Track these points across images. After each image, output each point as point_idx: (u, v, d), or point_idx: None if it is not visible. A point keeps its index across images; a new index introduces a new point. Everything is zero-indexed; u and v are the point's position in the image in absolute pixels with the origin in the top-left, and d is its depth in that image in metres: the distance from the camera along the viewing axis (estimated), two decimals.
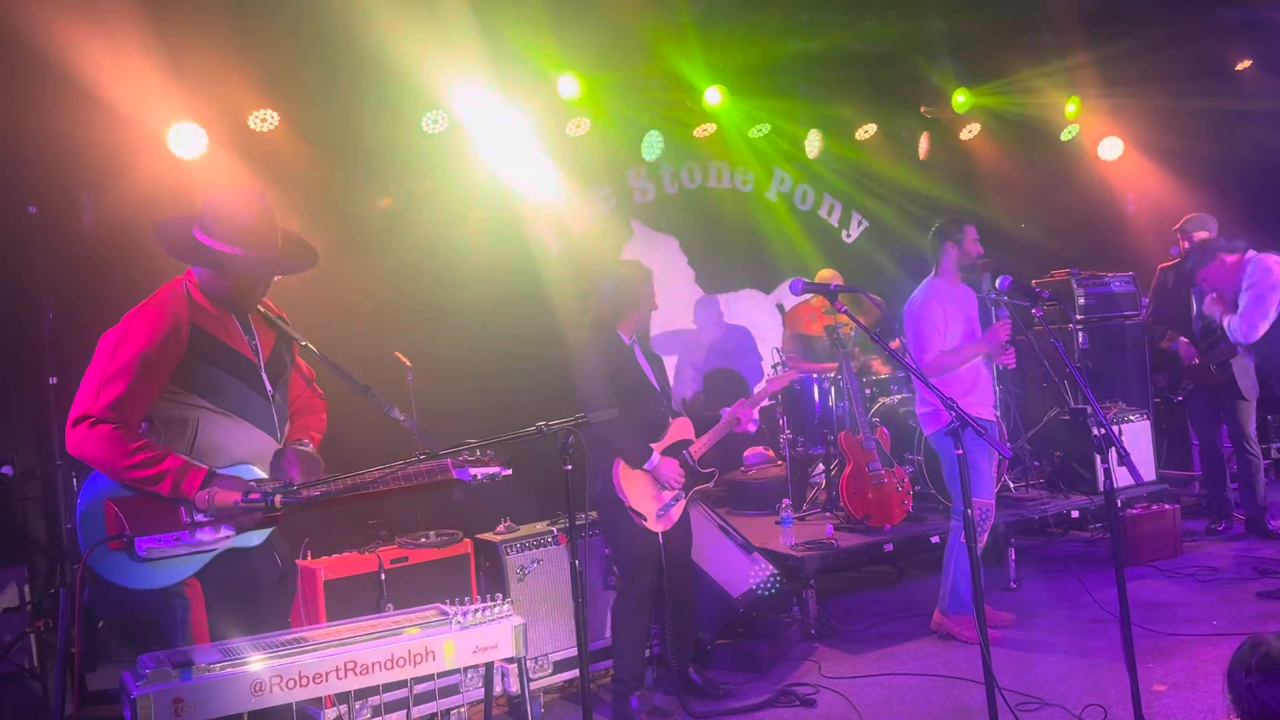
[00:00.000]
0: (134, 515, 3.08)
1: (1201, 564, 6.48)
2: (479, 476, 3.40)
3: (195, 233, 3.29)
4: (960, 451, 3.66)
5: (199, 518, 3.15)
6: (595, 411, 3.75)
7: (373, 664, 2.93)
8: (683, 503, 4.87)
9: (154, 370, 3.11)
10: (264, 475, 3.31)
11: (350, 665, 2.90)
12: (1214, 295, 6.40)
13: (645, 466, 4.73)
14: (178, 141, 5.86)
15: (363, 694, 3.01)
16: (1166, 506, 6.87)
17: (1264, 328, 6.17)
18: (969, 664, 5.02)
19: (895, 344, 5.70)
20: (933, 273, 5.65)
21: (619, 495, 4.71)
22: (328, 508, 3.33)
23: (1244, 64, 8.41)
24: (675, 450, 4.88)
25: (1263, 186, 8.55)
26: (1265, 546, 6.72)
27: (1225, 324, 5.74)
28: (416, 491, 3.44)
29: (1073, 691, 4.66)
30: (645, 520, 4.74)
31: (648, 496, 4.76)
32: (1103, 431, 3.68)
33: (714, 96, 7.20)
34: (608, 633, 5.18)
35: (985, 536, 5.44)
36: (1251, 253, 6.47)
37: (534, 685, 5.03)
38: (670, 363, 8.03)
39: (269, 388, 3.36)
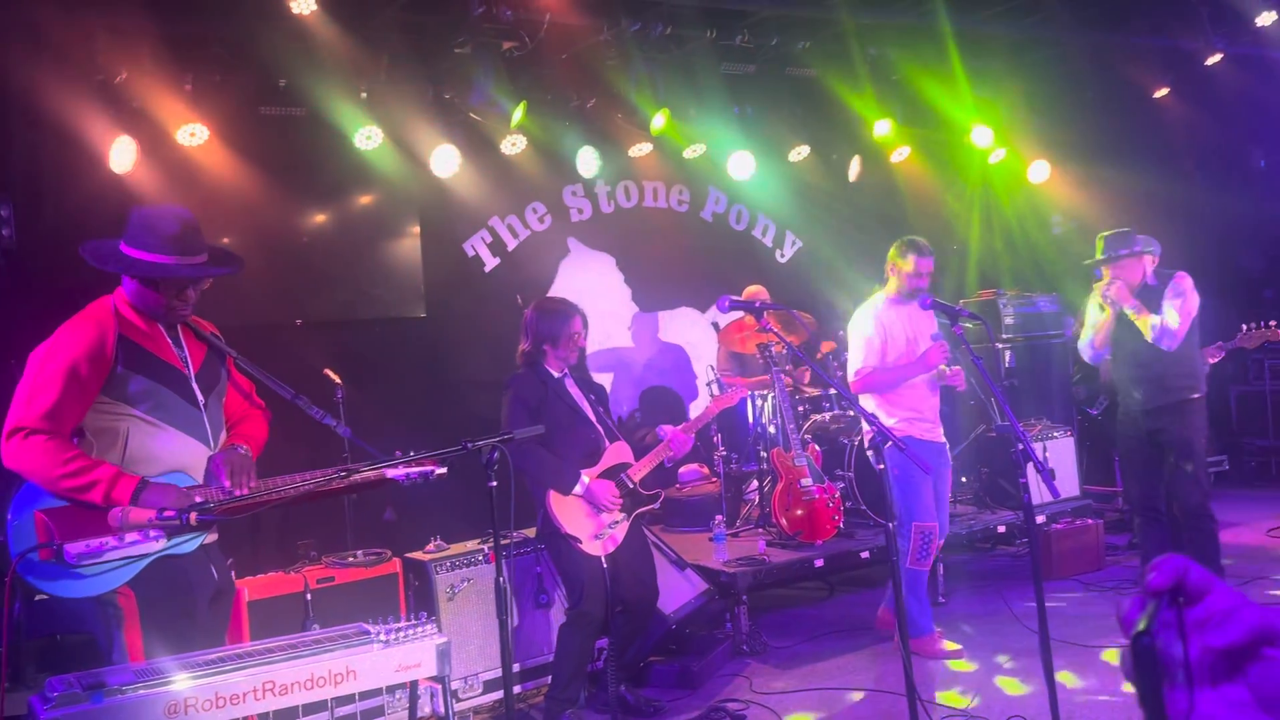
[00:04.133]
0: (63, 524, 3.09)
1: (1123, 577, 6.63)
2: (412, 475, 3.39)
3: (122, 247, 3.34)
4: (882, 467, 3.73)
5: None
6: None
7: (292, 684, 2.89)
8: (624, 525, 4.84)
9: (81, 381, 3.16)
10: (197, 482, 3.32)
11: (268, 685, 2.86)
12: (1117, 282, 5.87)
13: (575, 491, 4.72)
14: (116, 156, 5.77)
15: (282, 715, 2.97)
16: (1089, 521, 7.03)
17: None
18: (897, 678, 5.08)
19: (821, 357, 5.70)
20: (882, 288, 5.59)
21: (555, 524, 4.71)
22: (252, 511, 3.34)
23: (1162, 91, 8.68)
24: (613, 474, 4.87)
25: (1179, 210, 8.81)
26: None
27: (1150, 324, 5.64)
28: (350, 493, 3.46)
29: (995, 703, 4.74)
30: (582, 544, 4.72)
31: (584, 521, 4.74)
32: (1020, 448, 3.77)
33: (658, 122, 7.26)
34: (541, 650, 5.17)
35: (929, 559, 5.41)
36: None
37: (464, 705, 5.00)
38: (606, 380, 8.05)
39: (200, 397, 3.40)
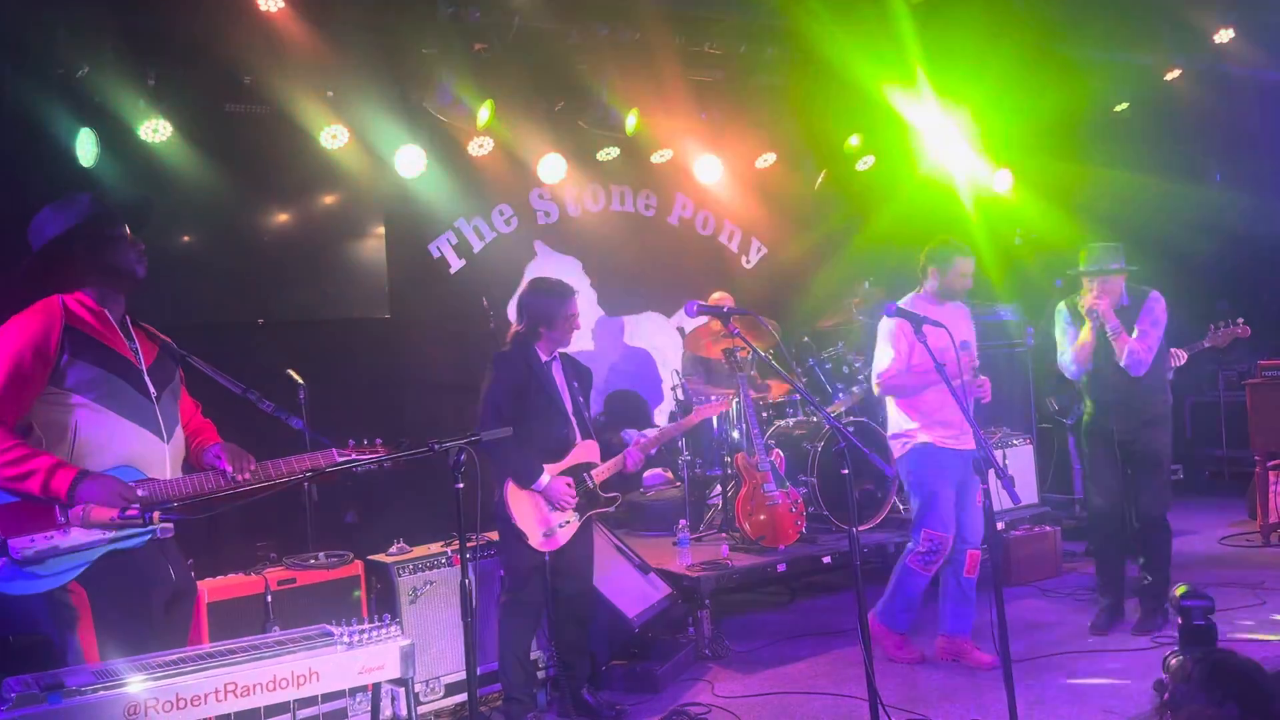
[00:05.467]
0: (7, 520, 3.06)
1: (1080, 584, 6.71)
2: (365, 464, 3.38)
3: (40, 246, 3.30)
4: (846, 472, 3.74)
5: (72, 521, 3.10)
6: (486, 429, 3.75)
7: (254, 685, 2.85)
8: (574, 525, 4.85)
9: (24, 374, 3.13)
10: (145, 476, 3.27)
11: (230, 687, 2.82)
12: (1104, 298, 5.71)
13: (534, 487, 4.73)
14: (78, 151, 5.69)
15: (244, 717, 2.93)
16: (1047, 528, 7.12)
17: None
18: (858, 683, 5.10)
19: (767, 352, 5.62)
20: (917, 289, 5.50)
21: (507, 512, 4.72)
22: (214, 507, 3.32)
23: (1122, 105, 8.81)
24: (577, 472, 4.88)
25: (1137, 222, 8.95)
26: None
27: (1125, 349, 5.51)
28: (302, 482, 3.43)
29: (956, 707, 4.79)
30: (528, 539, 4.73)
31: (535, 516, 4.74)
32: (982, 455, 3.81)
33: (630, 123, 7.27)
34: None
35: (933, 568, 5.32)
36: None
37: (425, 709, 4.98)
38: None
39: (153, 390, 3.36)
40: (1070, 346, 5.77)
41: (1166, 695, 2.67)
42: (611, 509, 5.03)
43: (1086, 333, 5.67)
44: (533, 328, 4.87)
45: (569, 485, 4.80)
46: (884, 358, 5.36)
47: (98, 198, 3.38)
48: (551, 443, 4.84)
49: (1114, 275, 5.62)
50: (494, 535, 5.27)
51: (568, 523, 4.82)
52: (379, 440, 3.54)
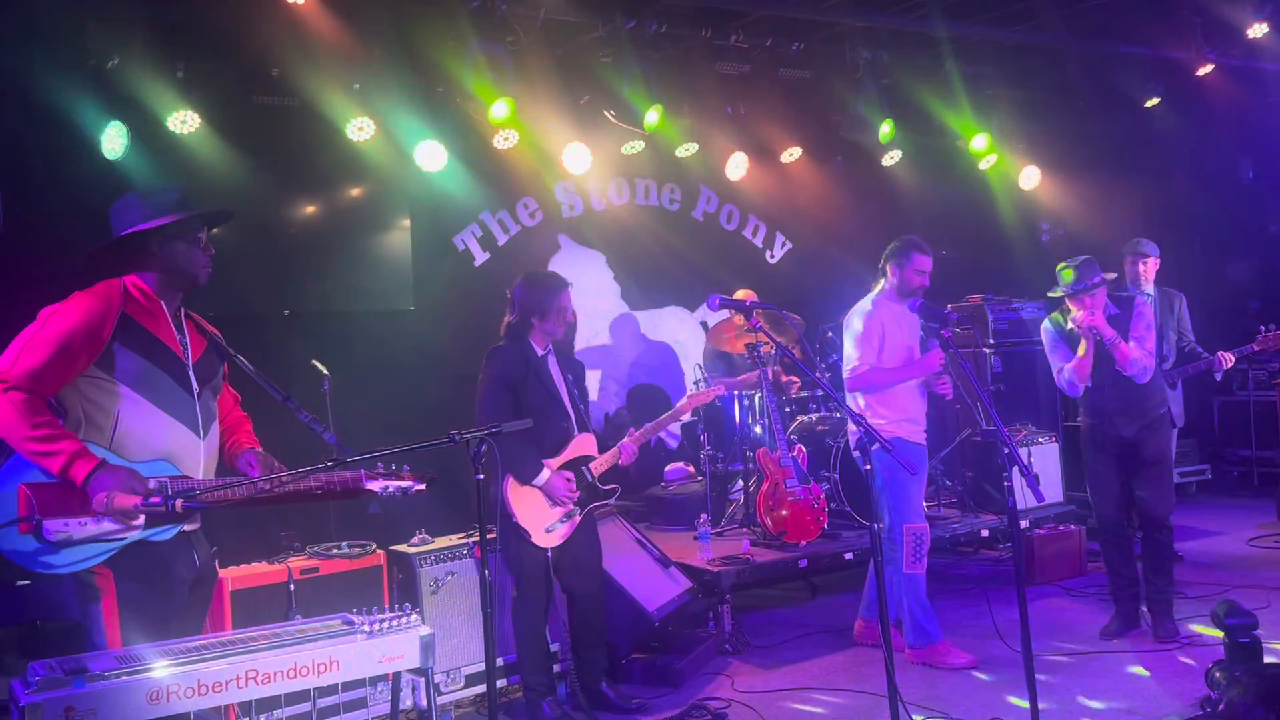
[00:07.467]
0: (46, 500, 3.09)
1: (1105, 583, 6.63)
2: (390, 489, 3.40)
3: (128, 232, 3.34)
4: (869, 468, 3.73)
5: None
6: (485, 423, 3.75)
7: (274, 673, 2.88)
8: (576, 520, 4.83)
9: (71, 352, 3.16)
10: (179, 472, 3.29)
11: (251, 674, 2.85)
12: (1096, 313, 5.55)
13: (534, 483, 4.70)
14: (107, 142, 5.75)
15: (264, 705, 2.96)
16: (1072, 527, 7.07)
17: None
18: (878, 680, 5.07)
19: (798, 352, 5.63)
20: (876, 288, 5.49)
21: (508, 510, 4.69)
22: (237, 509, 3.34)
23: (1153, 101, 8.72)
24: (575, 466, 4.85)
25: (1168, 220, 8.87)
26: None
27: (1128, 359, 5.36)
28: (327, 499, 3.46)
29: (976, 707, 4.76)
30: (530, 536, 4.71)
31: (536, 512, 4.72)
32: (1007, 452, 3.78)
33: (652, 118, 7.26)
34: None
35: (924, 561, 5.30)
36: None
37: (446, 699, 5.00)
38: (594, 377, 8.06)
39: (195, 386, 3.39)
40: (1066, 365, 5.60)
41: (1222, 707, 2.72)
42: (611, 500, 5.02)
43: (1084, 349, 5.51)
44: (524, 319, 4.82)
45: (569, 480, 4.77)
46: (856, 355, 5.31)
47: (186, 198, 3.42)
48: (551, 436, 4.80)
49: (1099, 288, 5.47)
50: None
51: (568, 518, 4.81)
52: (406, 468, 3.54)
